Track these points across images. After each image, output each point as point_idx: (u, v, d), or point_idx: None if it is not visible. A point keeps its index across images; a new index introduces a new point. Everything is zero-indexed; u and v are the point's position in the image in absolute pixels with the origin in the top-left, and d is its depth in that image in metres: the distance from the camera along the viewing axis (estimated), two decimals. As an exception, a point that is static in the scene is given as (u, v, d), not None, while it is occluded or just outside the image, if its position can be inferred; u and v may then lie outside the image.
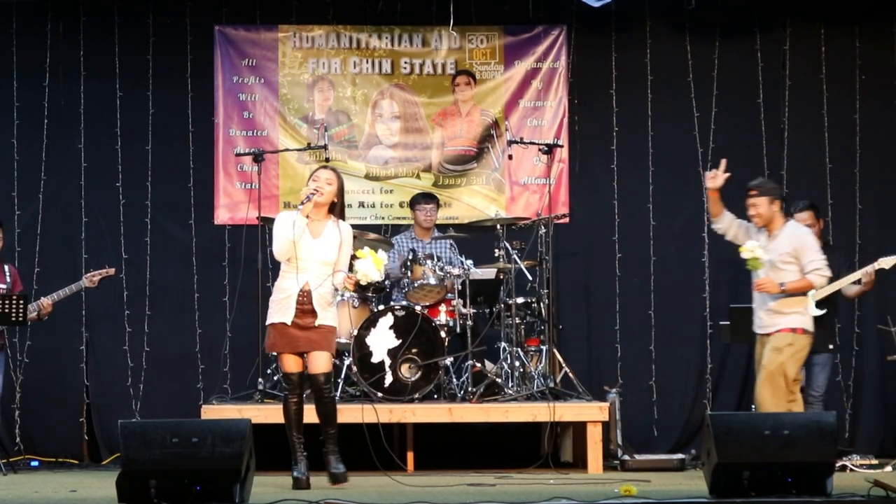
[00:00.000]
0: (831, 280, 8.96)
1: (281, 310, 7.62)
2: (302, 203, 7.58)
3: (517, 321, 9.36)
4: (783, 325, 8.17)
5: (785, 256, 8.22)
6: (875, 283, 9.12)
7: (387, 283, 9.48)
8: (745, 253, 8.26)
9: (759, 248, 8.22)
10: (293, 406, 7.67)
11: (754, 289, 8.31)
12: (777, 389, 8.05)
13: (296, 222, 7.54)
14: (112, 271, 9.49)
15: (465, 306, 9.37)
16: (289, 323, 7.59)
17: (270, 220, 8.20)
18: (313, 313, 7.61)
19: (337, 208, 7.74)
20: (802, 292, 8.20)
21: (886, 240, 10.00)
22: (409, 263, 9.35)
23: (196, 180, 10.21)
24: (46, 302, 9.16)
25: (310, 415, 7.79)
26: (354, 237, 9.14)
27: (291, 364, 7.67)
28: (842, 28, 10.36)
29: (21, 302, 8.85)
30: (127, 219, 10.14)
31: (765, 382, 8.10)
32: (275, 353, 7.88)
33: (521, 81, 10.37)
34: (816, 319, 8.99)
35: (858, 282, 9.01)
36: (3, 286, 9.15)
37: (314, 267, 7.63)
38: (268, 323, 7.70)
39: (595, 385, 9.71)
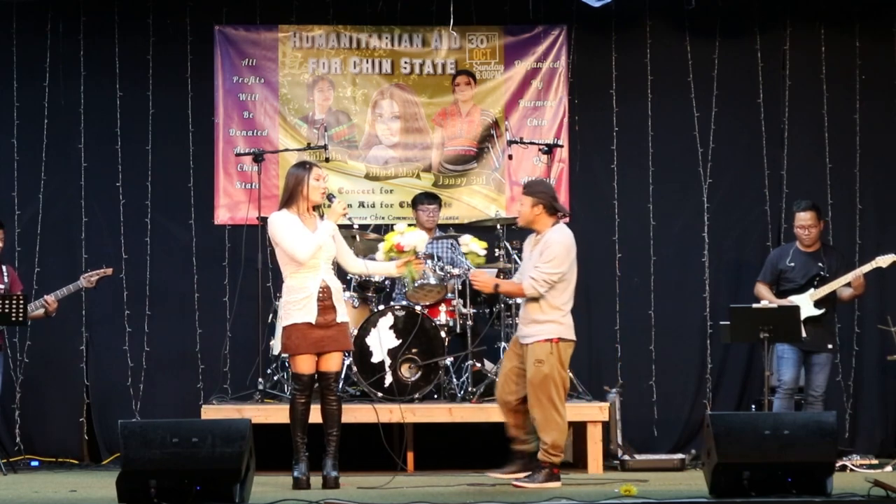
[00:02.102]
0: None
1: (304, 310, 7.57)
2: (349, 219, 7.78)
3: (517, 321, 9.34)
4: (541, 336, 7.81)
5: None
6: (868, 285, 9.16)
7: (387, 282, 9.49)
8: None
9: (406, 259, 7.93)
10: (301, 406, 7.65)
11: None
12: (548, 401, 7.75)
13: (299, 226, 7.57)
14: (110, 271, 9.49)
15: (465, 306, 9.36)
16: (313, 322, 7.57)
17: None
18: (334, 309, 7.64)
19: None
20: (531, 298, 7.86)
21: (886, 240, 10.00)
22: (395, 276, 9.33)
23: (196, 180, 10.21)
24: (51, 299, 9.16)
25: (312, 415, 7.80)
26: (354, 237, 9.20)
27: (306, 365, 7.63)
28: (842, 28, 10.36)
29: (21, 302, 8.85)
30: (127, 219, 10.14)
31: (532, 398, 7.78)
32: (287, 354, 7.83)
33: (521, 81, 10.37)
34: (816, 319, 9.02)
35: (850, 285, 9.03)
36: (2, 286, 9.16)
37: (324, 264, 7.67)
38: (288, 324, 7.61)
39: (595, 385, 9.70)
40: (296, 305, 7.59)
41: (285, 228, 7.57)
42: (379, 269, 8.26)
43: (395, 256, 7.92)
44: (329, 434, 7.68)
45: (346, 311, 7.77)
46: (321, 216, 7.75)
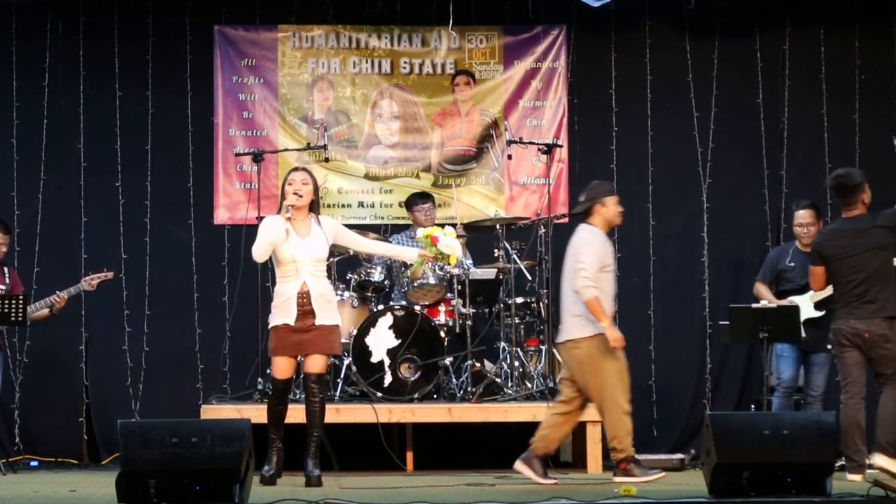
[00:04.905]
0: None
1: (283, 312, 7.65)
2: (288, 214, 7.66)
3: (517, 321, 9.36)
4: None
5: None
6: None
7: (386, 282, 9.49)
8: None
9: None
10: (276, 408, 7.76)
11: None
12: None
13: (276, 226, 7.62)
14: (111, 275, 9.45)
15: (464, 306, 9.36)
16: (292, 324, 7.62)
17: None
18: (313, 314, 7.65)
19: (315, 206, 7.83)
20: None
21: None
22: (408, 263, 9.34)
23: (196, 180, 10.21)
24: (63, 295, 9.17)
25: (297, 416, 7.85)
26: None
27: (282, 369, 7.71)
28: (842, 28, 10.36)
29: (21, 302, 8.85)
30: (127, 219, 10.14)
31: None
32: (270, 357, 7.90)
33: (520, 81, 10.37)
34: (816, 320, 9.02)
35: None
36: (3, 287, 9.16)
37: (308, 267, 7.68)
38: (271, 325, 7.72)
39: (595, 385, 9.69)
40: (278, 308, 7.70)
41: (261, 228, 7.71)
42: (398, 252, 8.44)
43: (423, 244, 7.90)
44: (310, 434, 7.71)
45: (331, 315, 7.73)
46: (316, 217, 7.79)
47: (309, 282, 7.66)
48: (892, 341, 7.95)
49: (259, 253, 7.69)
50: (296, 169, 7.97)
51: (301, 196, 7.66)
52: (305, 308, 7.64)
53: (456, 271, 9.33)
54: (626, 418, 7.92)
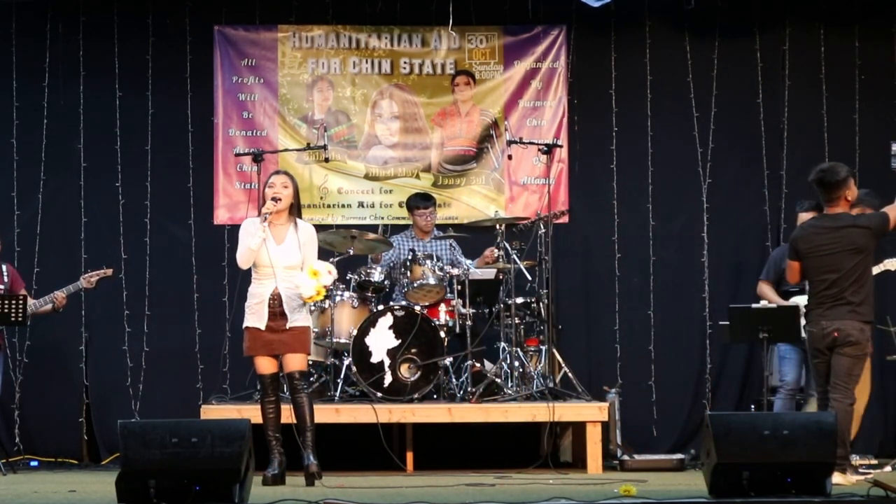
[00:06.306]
0: None
1: (255, 315, 7.75)
2: (266, 218, 7.68)
3: (517, 321, 9.36)
4: None
5: None
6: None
7: (386, 283, 9.49)
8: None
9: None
10: (268, 406, 7.80)
11: None
12: None
13: (255, 233, 7.66)
14: (110, 272, 9.47)
15: (464, 306, 9.37)
16: (262, 328, 7.72)
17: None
18: (284, 316, 7.72)
19: (294, 209, 7.84)
20: None
21: (886, 240, 9.97)
22: (408, 263, 9.35)
23: (196, 180, 10.21)
24: (61, 295, 9.18)
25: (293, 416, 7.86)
26: (353, 237, 9.20)
27: (264, 366, 7.79)
28: (842, 28, 10.36)
29: (21, 302, 8.85)
30: (126, 219, 10.14)
31: None
32: (250, 356, 7.92)
33: (520, 81, 10.37)
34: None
35: None
36: (2, 286, 9.16)
37: (281, 272, 7.74)
38: (243, 327, 7.82)
39: (595, 385, 9.71)
40: (250, 310, 7.79)
41: (241, 234, 7.76)
42: (299, 282, 7.79)
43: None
44: (304, 432, 7.73)
45: (302, 317, 7.77)
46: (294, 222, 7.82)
47: (281, 285, 7.73)
48: (855, 346, 7.67)
49: (243, 261, 7.77)
50: (276, 172, 8.04)
51: (280, 200, 7.71)
52: (277, 310, 7.73)
53: (456, 271, 9.34)
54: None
